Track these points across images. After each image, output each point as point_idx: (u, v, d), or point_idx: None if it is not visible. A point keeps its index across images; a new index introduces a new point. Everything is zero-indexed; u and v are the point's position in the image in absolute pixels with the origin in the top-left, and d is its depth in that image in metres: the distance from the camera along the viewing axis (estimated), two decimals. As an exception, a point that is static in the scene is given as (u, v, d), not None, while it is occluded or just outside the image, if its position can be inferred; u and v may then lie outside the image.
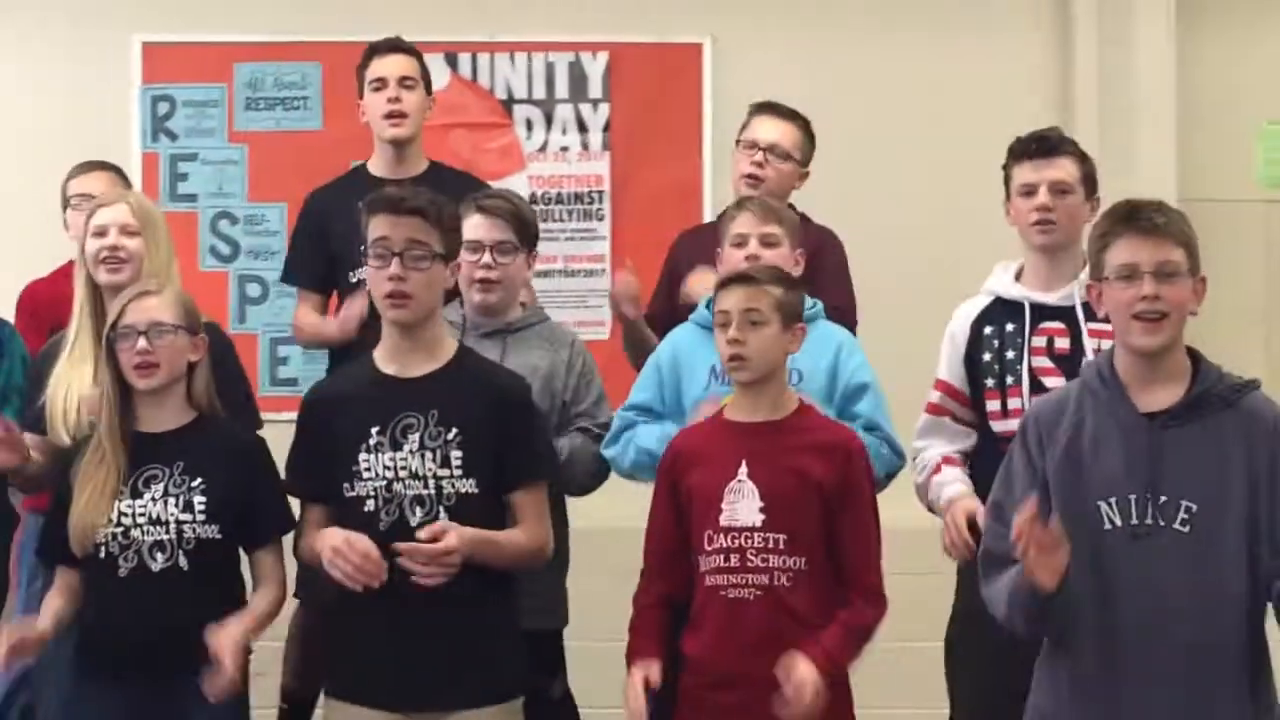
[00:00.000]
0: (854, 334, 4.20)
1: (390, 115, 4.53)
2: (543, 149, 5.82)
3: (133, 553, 3.54)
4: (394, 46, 4.62)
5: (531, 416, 3.63)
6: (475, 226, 4.02)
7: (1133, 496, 3.06)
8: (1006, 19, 5.85)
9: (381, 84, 4.55)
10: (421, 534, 3.39)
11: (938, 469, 3.93)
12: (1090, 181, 3.93)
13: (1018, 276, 3.95)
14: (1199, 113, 5.79)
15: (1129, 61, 5.72)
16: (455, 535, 3.38)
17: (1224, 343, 5.66)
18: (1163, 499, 3.04)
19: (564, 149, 5.82)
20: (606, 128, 5.80)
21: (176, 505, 3.56)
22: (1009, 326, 3.88)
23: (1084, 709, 3.13)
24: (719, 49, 5.80)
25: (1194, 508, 3.04)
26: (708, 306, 3.95)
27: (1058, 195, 3.87)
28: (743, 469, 3.50)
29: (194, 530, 3.56)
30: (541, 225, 5.64)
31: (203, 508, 3.56)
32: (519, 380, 3.67)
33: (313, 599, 4.09)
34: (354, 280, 4.45)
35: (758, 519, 3.47)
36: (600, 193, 5.80)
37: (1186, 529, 3.04)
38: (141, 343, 3.59)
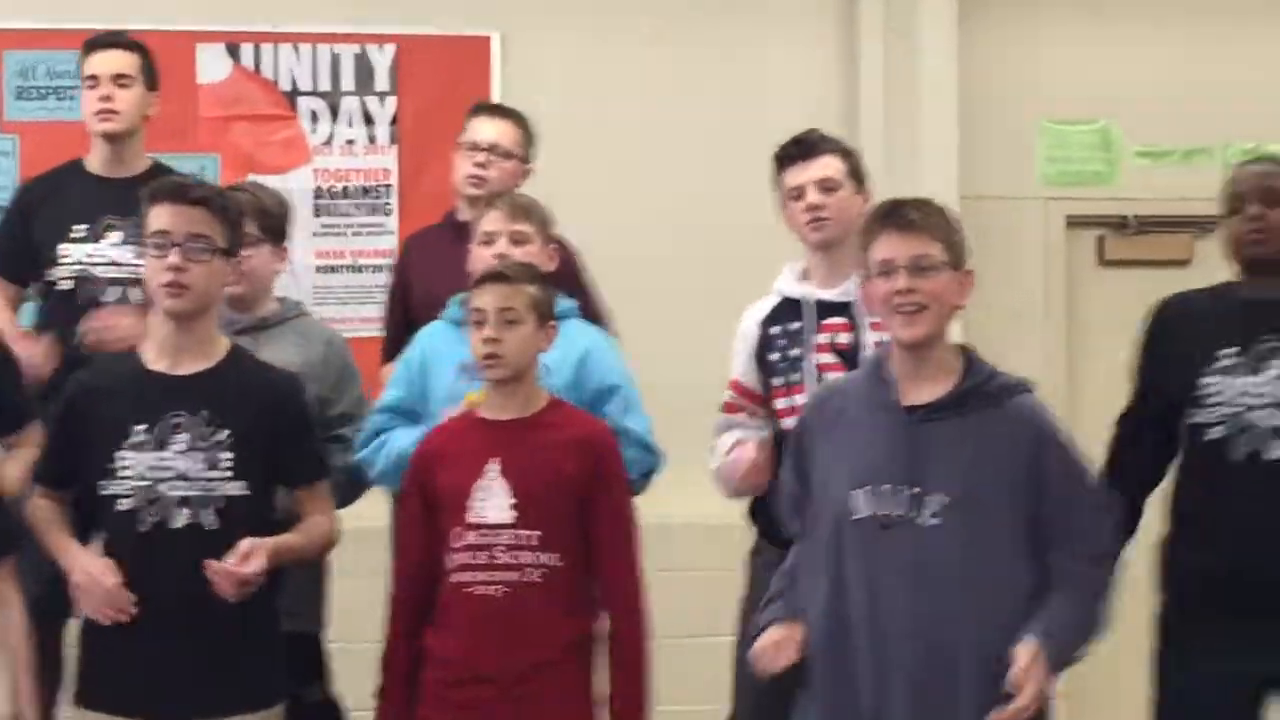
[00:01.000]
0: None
1: (99, 112, 4.43)
2: (328, 142, 5.72)
3: None
4: (110, 43, 4.49)
5: (306, 415, 3.58)
6: None
7: (886, 487, 3.10)
8: (793, 17, 5.88)
9: (95, 81, 4.43)
10: (231, 560, 3.30)
11: (738, 443, 3.92)
12: (857, 175, 3.98)
13: (804, 276, 3.99)
14: (981, 110, 5.88)
15: (913, 60, 5.78)
16: (263, 554, 3.32)
17: (1001, 338, 5.80)
18: (915, 491, 3.07)
19: (350, 142, 5.72)
20: (394, 121, 5.72)
21: None
22: (794, 325, 3.92)
23: (824, 696, 3.19)
24: (507, 43, 5.75)
25: (947, 501, 3.07)
26: (460, 303, 3.94)
27: (825, 192, 3.91)
28: (493, 466, 3.50)
29: None
30: (328, 220, 5.65)
31: None
32: (293, 379, 3.62)
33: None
34: (49, 279, 4.37)
35: (508, 516, 3.47)
36: (388, 187, 5.72)
37: (938, 521, 3.07)
38: None
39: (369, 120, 5.72)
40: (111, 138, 4.45)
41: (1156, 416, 3.85)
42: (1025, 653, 3.02)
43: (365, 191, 5.71)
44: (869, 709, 3.11)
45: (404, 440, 3.83)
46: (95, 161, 4.51)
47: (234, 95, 5.61)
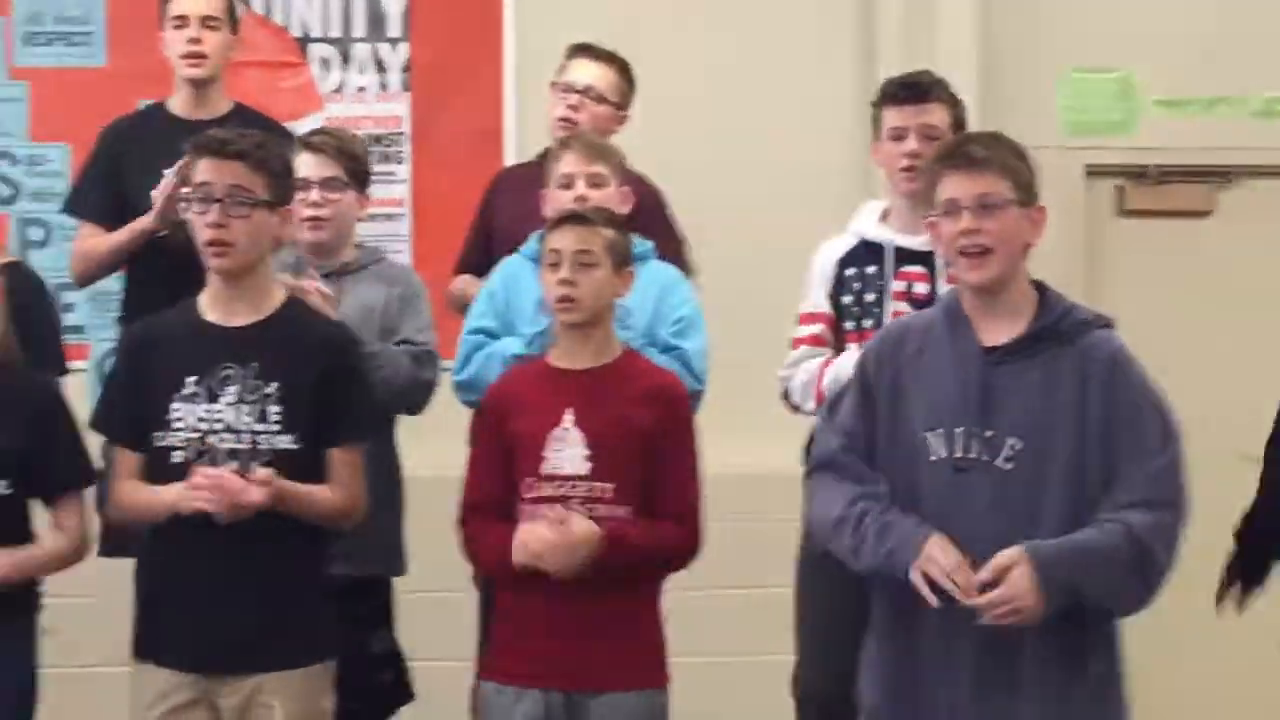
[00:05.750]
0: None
1: (188, 55, 4.37)
2: (339, 89, 5.65)
3: None
4: None
5: (356, 373, 3.52)
6: (302, 164, 3.95)
7: (959, 429, 3.04)
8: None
9: (182, 22, 4.37)
10: (256, 475, 3.28)
11: (828, 363, 3.84)
12: (960, 126, 3.89)
13: (884, 218, 3.91)
14: (1001, 59, 5.81)
15: (932, 5, 5.71)
16: (270, 492, 3.26)
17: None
18: (989, 434, 3.02)
19: (361, 89, 5.66)
20: (406, 68, 5.66)
21: None
22: (870, 269, 3.84)
23: (894, 643, 3.14)
24: (521, -12, 5.69)
25: (1019, 445, 3.01)
26: (539, 240, 3.90)
27: (927, 141, 3.81)
28: (568, 416, 3.45)
29: None
30: (339, 168, 5.59)
31: None
32: (345, 334, 3.59)
33: (115, 551, 3.94)
34: None
35: (584, 467, 3.43)
36: (399, 135, 5.66)
37: (1010, 466, 3.02)
38: None
39: (381, 67, 5.65)
40: (196, 82, 4.39)
41: None
42: (1005, 555, 2.95)
43: (377, 140, 5.63)
44: (936, 654, 3.07)
45: (514, 346, 3.84)
46: (179, 104, 4.44)
47: (245, 41, 5.53)
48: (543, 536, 3.36)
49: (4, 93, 5.50)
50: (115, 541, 3.89)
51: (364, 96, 5.65)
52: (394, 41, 5.65)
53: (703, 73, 5.68)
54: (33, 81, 5.50)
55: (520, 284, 3.96)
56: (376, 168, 5.54)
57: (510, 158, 5.51)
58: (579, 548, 3.35)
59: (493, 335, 3.95)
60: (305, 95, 5.62)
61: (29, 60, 5.50)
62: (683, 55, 5.64)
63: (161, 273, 4.12)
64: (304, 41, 5.63)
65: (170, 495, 3.32)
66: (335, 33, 5.64)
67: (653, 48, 5.57)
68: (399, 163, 5.65)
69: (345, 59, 5.64)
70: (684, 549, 3.52)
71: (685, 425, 3.55)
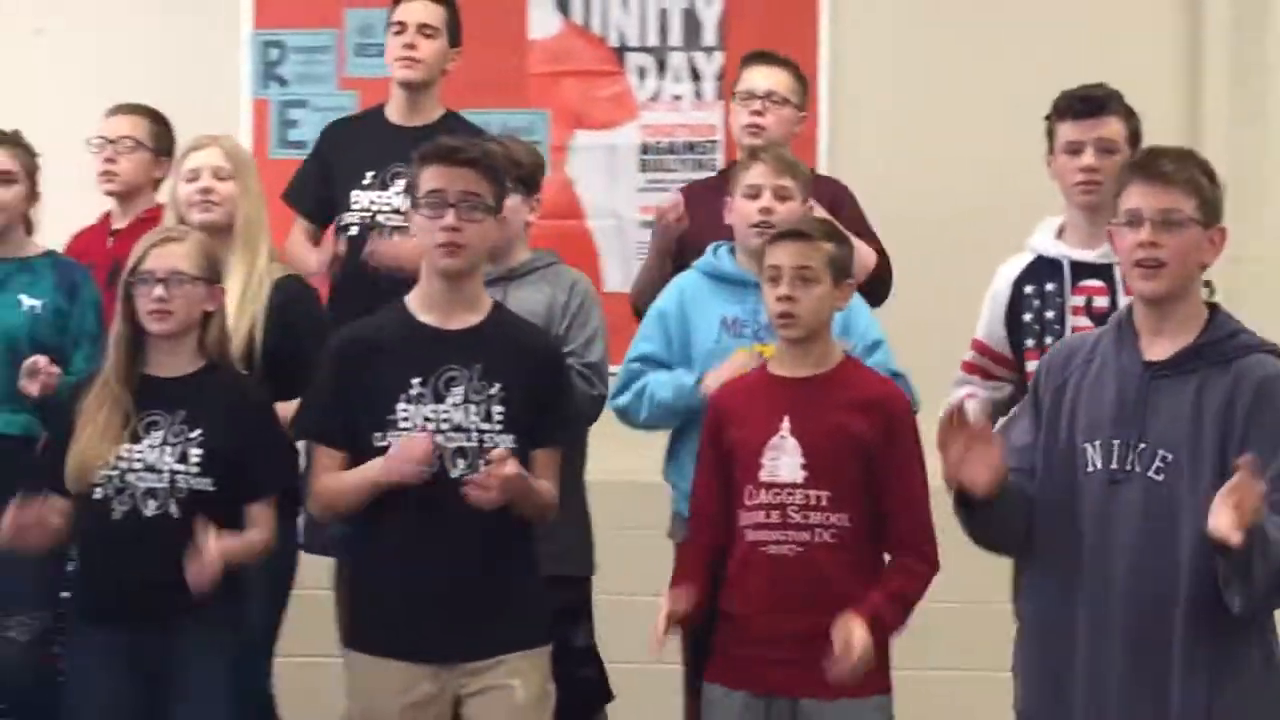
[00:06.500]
0: (891, 285, 4.32)
1: (401, 59, 4.54)
2: (655, 98, 5.73)
3: (127, 497, 3.54)
4: None
5: (564, 378, 3.67)
6: None
7: (1115, 441, 3.07)
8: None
9: (401, 28, 4.56)
10: (494, 453, 3.38)
11: (967, 395, 3.90)
12: (1136, 138, 3.87)
13: (1060, 233, 3.90)
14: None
15: (1263, 11, 5.51)
16: (511, 488, 3.38)
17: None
18: (1143, 446, 3.04)
19: (677, 98, 5.73)
20: (720, 76, 5.70)
21: (173, 455, 3.55)
22: (1049, 286, 3.85)
23: (1043, 648, 3.17)
24: (836, -5, 5.67)
25: (1170, 457, 3.03)
26: (715, 253, 3.99)
27: (1104, 154, 3.81)
28: (785, 424, 3.48)
29: (187, 481, 3.54)
30: (653, 175, 5.67)
31: (198, 459, 3.55)
32: (553, 340, 3.73)
33: (318, 546, 4.13)
34: (342, 224, 4.51)
35: (799, 475, 3.46)
36: (713, 142, 5.71)
37: (1160, 478, 3.03)
38: (159, 290, 3.58)
39: (696, 76, 5.71)
40: (409, 86, 4.56)
41: None
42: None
43: (690, 147, 5.71)
44: (1084, 657, 3.08)
45: (663, 389, 3.94)
46: (393, 109, 4.63)
47: (564, 51, 5.67)
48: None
49: (334, 102, 5.72)
50: (316, 539, 4.05)
51: (679, 105, 5.72)
52: (709, 50, 5.71)
53: (1021, 73, 5.56)
54: (362, 91, 5.69)
55: (698, 302, 4.01)
56: (690, 175, 5.65)
57: (823, 166, 5.50)
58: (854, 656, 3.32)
59: (654, 361, 4.01)
60: (621, 104, 5.71)
61: (359, 71, 5.73)
62: (1003, 53, 5.55)
63: (367, 283, 4.26)
64: (621, 50, 5.72)
65: (373, 471, 3.44)
66: (652, 42, 5.72)
67: (970, 47, 5.53)
68: (712, 171, 5.68)
69: (661, 68, 5.72)
70: (927, 584, 3.53)
71: (907, 435, 3.53)
